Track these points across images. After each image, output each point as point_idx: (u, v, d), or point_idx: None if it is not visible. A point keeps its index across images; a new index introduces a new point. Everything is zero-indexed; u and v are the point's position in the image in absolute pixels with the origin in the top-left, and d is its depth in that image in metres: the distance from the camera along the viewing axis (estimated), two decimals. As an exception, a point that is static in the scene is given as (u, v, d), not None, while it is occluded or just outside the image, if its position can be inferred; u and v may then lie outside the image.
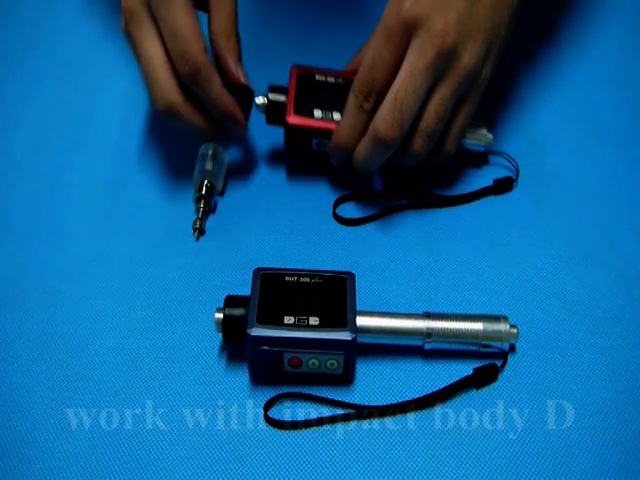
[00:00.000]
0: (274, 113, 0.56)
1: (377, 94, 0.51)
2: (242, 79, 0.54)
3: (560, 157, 0.60)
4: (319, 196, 0.58)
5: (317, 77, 0.57)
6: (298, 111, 0.55)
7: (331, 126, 0.54)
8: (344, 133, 0.53)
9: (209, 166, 0.56)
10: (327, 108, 0.55)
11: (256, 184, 0.58)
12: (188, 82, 0.51)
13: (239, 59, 0.55)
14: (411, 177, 0.58)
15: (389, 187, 0.58)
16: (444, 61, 0.49)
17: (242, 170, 0.59)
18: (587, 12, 0.72)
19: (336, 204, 0.57)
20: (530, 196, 0.58)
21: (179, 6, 0.50)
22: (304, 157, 0.59)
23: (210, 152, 0.57)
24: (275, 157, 0.60)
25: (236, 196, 0.58)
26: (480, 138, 0.57)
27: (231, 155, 0.59)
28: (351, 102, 0.53)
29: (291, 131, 0.55)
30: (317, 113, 0.55)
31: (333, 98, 0.56)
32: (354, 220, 0.56)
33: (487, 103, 0.59)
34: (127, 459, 0.44)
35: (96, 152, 0.61)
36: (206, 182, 0.55)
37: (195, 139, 0.59)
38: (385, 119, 0.50)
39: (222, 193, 0.58)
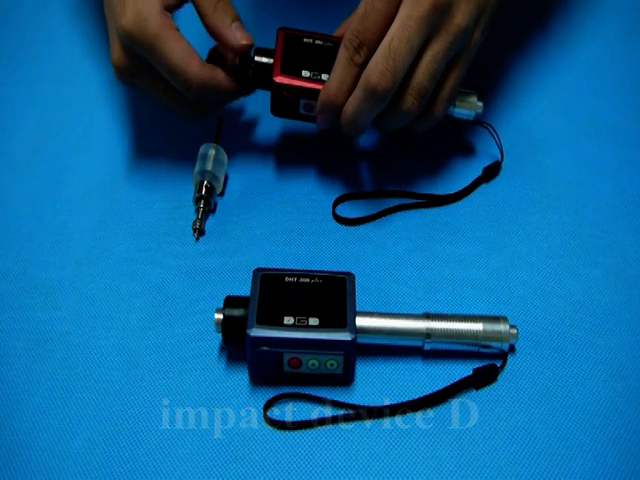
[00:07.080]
0: (260, 75, 0.54)
1: (369, 46, 0.50)
2: (241, 41, 0.52)
3: (559, 157, 0.60)
4: (319, 196, 0.58)
5: (305, 40, 0.55)
6: (285, 71, 0.53)
7: (319, 86, 0.53)
8: (333, 87, 0.51)
9: (209, 166, 0.56)
10: (315, 69, 0.54)
11: (256, 184, 0.58)
12: (199, 99, 0.53)
13: (234, 20, 0.52)
14: (410, 176, 0.58)
15: (388, 187, 0.58)
16: (438, 16, 0.49)
17: (242, 170, 0.59)
18: (586, 13, 0.72)
19: (335, 204, 0.57)
20: (529, 196, 0.58)
21: (166, 42, 0.50)
22: (291, 119, 0.57)
23: (210, 152, 0.57)
24: (275, 157, 0.60)
25: (236, 196, 0.58)
26: (470, 106, 0.56)
27: (231, 155, 0.59)
28: (341, 54, 0.51)
29: (278, 92, 0.54)
30: (305, 73, 0.54)
31: (322, 60, 0.54)
32: (354, 220, 0.56)
33: (487, 104, 0.59)
34: (126, 459, 0.44)
35: (96, 152, 0.61)
36: (206, 182, 0.55)
37: (194, 139, 0.59)
38: (378, 67, 0.48)
39: (222, 193, 0.58)
